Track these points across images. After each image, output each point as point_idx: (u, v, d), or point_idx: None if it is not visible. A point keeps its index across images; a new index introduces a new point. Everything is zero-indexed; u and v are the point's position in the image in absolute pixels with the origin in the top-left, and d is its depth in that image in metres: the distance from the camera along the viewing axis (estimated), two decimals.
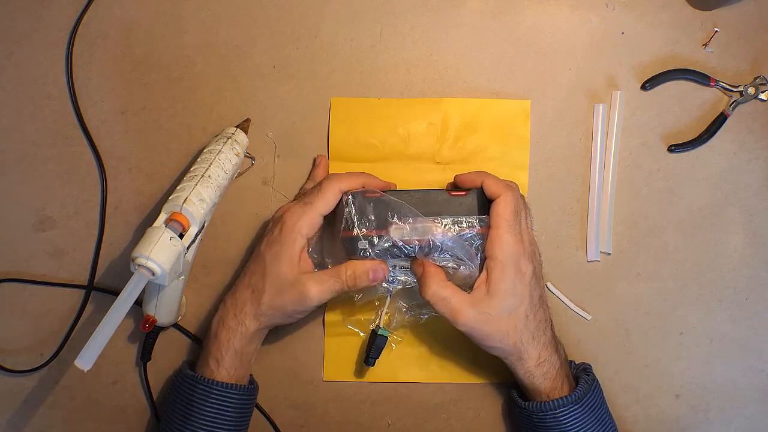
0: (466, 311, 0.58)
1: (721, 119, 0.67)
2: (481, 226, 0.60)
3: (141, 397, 0.69)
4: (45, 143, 0.70)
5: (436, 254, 0.59)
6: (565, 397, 0.59)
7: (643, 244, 0.68)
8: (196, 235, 0.60)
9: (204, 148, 0.64)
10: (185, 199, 0.58)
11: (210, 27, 0.70)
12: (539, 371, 0.60)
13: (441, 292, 0.59)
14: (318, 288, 0.59)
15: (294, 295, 0.59)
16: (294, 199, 0.66)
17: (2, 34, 0.71)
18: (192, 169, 0.62)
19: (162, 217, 0.59)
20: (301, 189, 0.68)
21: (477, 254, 0.60)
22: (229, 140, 0.64)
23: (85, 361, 0.52)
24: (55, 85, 0.70)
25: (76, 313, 0.69)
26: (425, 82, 0.69)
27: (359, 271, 0.60)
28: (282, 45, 0.70)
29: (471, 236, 0.59)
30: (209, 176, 0.61)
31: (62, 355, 0.69)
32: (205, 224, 0.62)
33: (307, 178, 0.69)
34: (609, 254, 0.68)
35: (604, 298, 0.68)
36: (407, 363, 0.68)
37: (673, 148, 0.68)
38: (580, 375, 0.62)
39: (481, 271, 0.60)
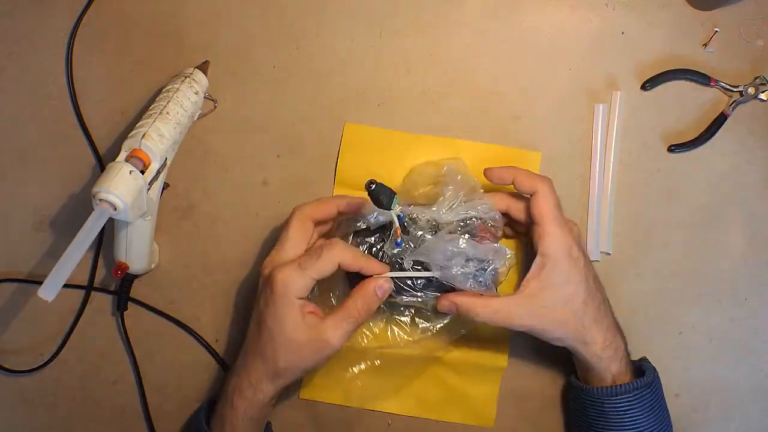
0: (518, 312, 0.58)
1: (721, 119, 0.67)
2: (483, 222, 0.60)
3: (141, 398, 0.69)
4: (45, 143, 0.70)
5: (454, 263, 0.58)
6: (638, 380, 0.59)
7: (643, 244, 0.68)
8: (158, 171, 0.61)
9: (162, 87, 0.65)
10: (144, 135, 0.59)
11: (210, 27, 0.70)
12: (606, 354, 0.59)
13: (487, 311, 0.58)
14: (337, 334, 0.57)
15: (312, 350, 0.57)
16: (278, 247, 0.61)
17: (2, 34, 0.71)
18: (151, 107, 0.62)
19: (122, 154, 0.59)
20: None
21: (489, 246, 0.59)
22: (187, 79, 0.65)
23: (48, 291, 0.55)
24: (55, 85, 0.70)
25: (76, 313, 0.69)
26: (425, 82, 0.69)
27: (367, 295, 0.58)
28: (282, 45, 0.70)
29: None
30: (167, 113, 0.61)
31: (62, 355, 0.69)
32: (167, 161, 0.62)
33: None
34: (609, 254, 0.68)
35: None
36: (382, 392, 0.67)
37: (673, 148, 0.68)
38: (639, 363, 0.62)
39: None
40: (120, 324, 0.69)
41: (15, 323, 0.69)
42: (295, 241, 0.60)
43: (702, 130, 0.68)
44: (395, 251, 0.60)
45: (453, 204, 0.61)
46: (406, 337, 0.65)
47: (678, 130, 0.68)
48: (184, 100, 0.63)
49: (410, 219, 0.61)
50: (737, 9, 0.68)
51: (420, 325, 0.64)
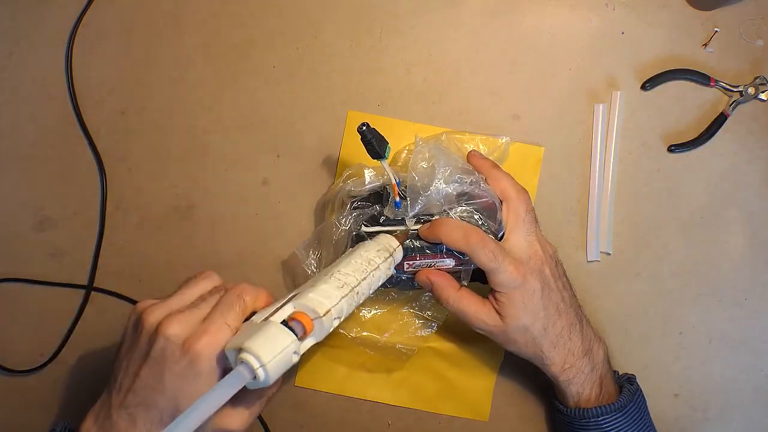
0: (484, 319, 0.59)
1: (721, 119, 0.67)
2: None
3: None
4: (45, 143, 0.70)
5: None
6: (610, 404, 0.58)
7: (643, 244, 0.68)
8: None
9: (360, 242, 0.58)
10: (327, 312, 0.50)
11: (210, 27, 0.70)
12: (564, 377, 0.59)
13: (456, 303, 0.59)
14: (242, 421, 0.51)
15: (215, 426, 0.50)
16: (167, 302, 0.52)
17: (2, 34, 0.71)
18: (344, 271, 0.53)
19: (289, 308, 0.50)
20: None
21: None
22: (390, 257, 0.57)
23: None
24: (55, 85, 0.70)
25: (76, 313, 0.69)
26: (425, 82, 0.69)
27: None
28: (282, 45, 0.70)
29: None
30: (357, 293, 0.53)
31: (62, 355, 0.69)
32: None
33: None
34: (609, 254, 0.68)
35: (603, 298, 0.68)
36: (377, 383, 0.68)
37: (673, 148, 0.68)
38: (623, 384, 0.62)
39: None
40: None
41: (15, 323, 0.69)
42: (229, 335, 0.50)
43: (702, 130, 0.68)
44: (396, 211, 0.59)
45: (448, 172, 0.59)
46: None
47: (678, 130, 0.68)
48: (377, 282, 0.56)
49: (405, 186, 0.59)
50: (737, 9, 0.68)
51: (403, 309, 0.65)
